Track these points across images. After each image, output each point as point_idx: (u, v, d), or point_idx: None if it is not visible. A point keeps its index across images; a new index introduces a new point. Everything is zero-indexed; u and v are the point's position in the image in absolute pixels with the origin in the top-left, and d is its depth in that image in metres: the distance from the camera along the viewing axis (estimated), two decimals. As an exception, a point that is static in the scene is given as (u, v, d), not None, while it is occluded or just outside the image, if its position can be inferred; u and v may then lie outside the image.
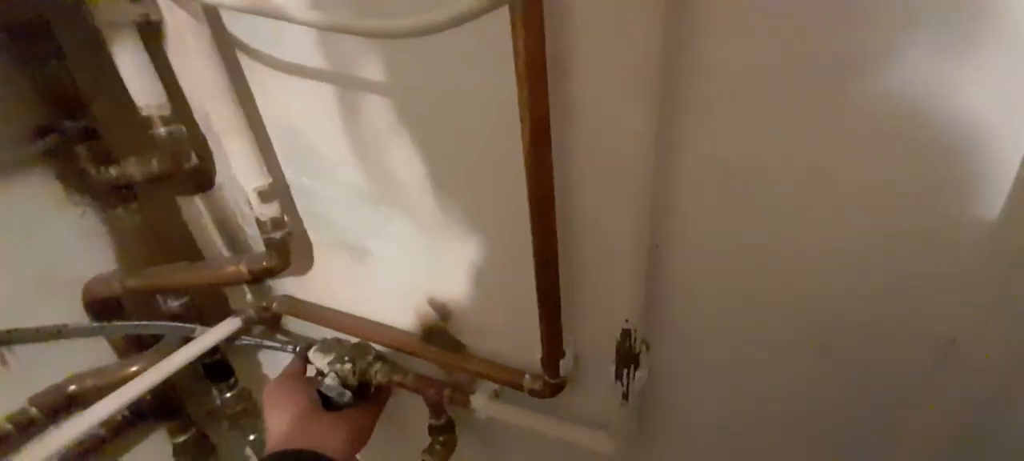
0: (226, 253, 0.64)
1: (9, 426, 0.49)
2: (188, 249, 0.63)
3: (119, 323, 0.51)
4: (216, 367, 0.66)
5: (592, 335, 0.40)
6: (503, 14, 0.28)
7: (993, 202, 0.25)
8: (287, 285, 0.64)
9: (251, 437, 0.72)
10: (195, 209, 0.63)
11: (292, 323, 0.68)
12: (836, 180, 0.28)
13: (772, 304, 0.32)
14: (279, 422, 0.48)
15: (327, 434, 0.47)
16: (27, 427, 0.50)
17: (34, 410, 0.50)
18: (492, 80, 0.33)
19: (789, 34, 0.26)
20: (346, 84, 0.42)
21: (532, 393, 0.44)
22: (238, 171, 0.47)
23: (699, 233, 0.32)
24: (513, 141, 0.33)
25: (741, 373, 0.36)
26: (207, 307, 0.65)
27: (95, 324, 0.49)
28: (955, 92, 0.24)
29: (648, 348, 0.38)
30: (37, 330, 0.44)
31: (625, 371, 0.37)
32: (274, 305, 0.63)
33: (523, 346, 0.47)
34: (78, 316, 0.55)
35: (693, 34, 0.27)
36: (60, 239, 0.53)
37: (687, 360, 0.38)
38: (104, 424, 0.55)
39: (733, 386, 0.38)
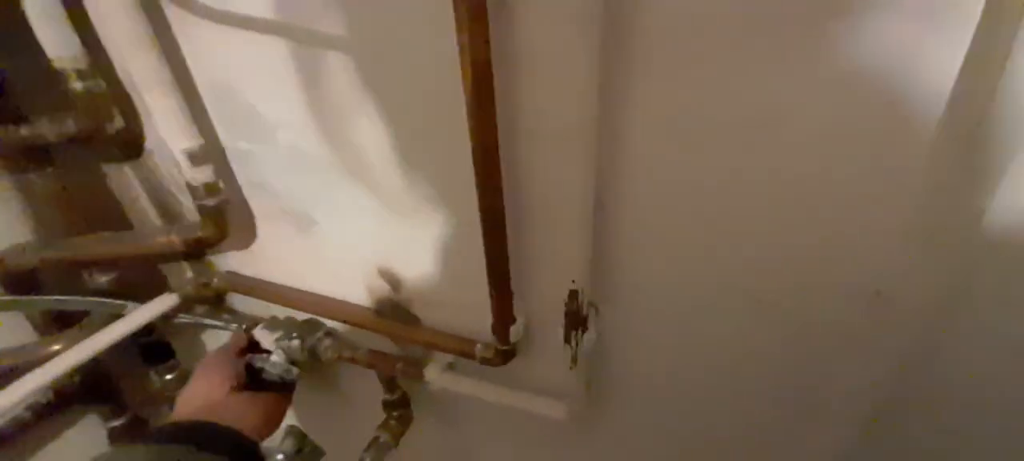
0: (156, 225, 0.60)
1: (-93, 411, 0.44)
2: (116, 221, 0.58)
3: (37, 297, 0.47)
4: (153, 348, 0.62)
5: (542, 300, 0.39)
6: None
7: (921, 150, 0.25)
8: (230, 261, 0.61)
9: (196, 421, 0.68)
10: (124, 177, 0.58)
11: (238, 301, 0.65)
12: (777, 130, 0.28)
13: (713, 260, 0.33)
14: (194, 393, 0.44)
15: (242, 411, 0.44)
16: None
17: (-64, 393, 0.45)
18: (435, 29, 0.32)
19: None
20: (284, 36, 0.39)
21: (484, 361, 0.44)
22: (164, 131, 0.44)
23: (643, 190, 0.32)
24: (458, 97, 0.31)
25: (685, 332, 0.37)
26: (140, 284, 0.60)
27: (8, 297, 0.45)
28: (888, 39, 0.24)
29: (597, 311, 0.38)
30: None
31: (574, 334, 0.37)
32: (214, 281, 0.59)
33: (474, 316, 0.46)
34: (-12, 291, 0.50)
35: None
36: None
37: (633, 321, 0.38)
38: (29, 407, 0.51)
39: (678, 345, 0.38)
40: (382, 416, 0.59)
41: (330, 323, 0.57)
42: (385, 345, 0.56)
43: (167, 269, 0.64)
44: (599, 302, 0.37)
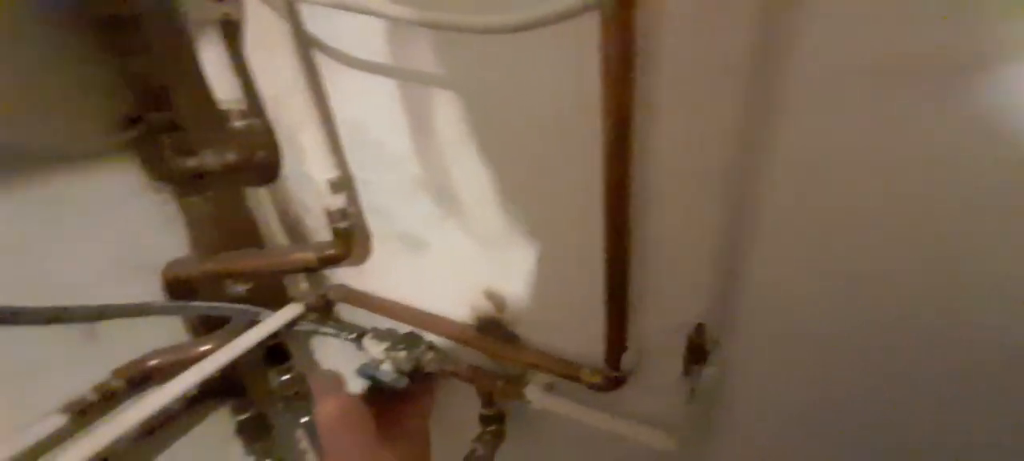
0: (284, 243, 0.67)
1: (95, 396, 0.53)
2: (251, 238, 0.66)
3: (197, 304, 0.55)
4: (275, 351, 0.69)
5: (657, 331, 0.40)
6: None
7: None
8: (341, 275, 0.67)
9: (303, 419, 0.75)
10: (258, 200, 0.66)
11: (343, 311, 0.71)
12: (930, 180, 0.27)
13: (850, 309, 0.32)
14: (342, 452, 0.47)
15: None
16: (110, 397, 0.53)
17: (117, 381, 0.54)
18: (569, 77, 0.34)
19: (888, 24, 0.25)
20: (418, 80, 0.43)
21: (591, 387, 0.45)
22: (311, 163, 0.50)
23: (781, 233, 0.32)
24: (588, 139, 0.33)
25: (813, 377, 0.36)
26: (268, 294, 0.68)
27: (176, 303, 0.52)
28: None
29: (718, 345, 0.38)
30: (125, 307, 0.47)
31: (695, 367, 0.37)
32: (330, 293, 0.65)
33: (581, 340, 0.47)
34: (154, 297, 0.58)
35: (783, 28, 0.27)
36: (141, 223, 0.56)
37: (756, 360, 0.38)
38: (179, 398, 0.59)
39: (804, 389, 0.37)
40: (478, 429, 0.61)
41: (430, 337, 0.61)
42: (484, 362, 0.59)
43: (287, 280, 0.72)
44: (721, 336, 0.37)
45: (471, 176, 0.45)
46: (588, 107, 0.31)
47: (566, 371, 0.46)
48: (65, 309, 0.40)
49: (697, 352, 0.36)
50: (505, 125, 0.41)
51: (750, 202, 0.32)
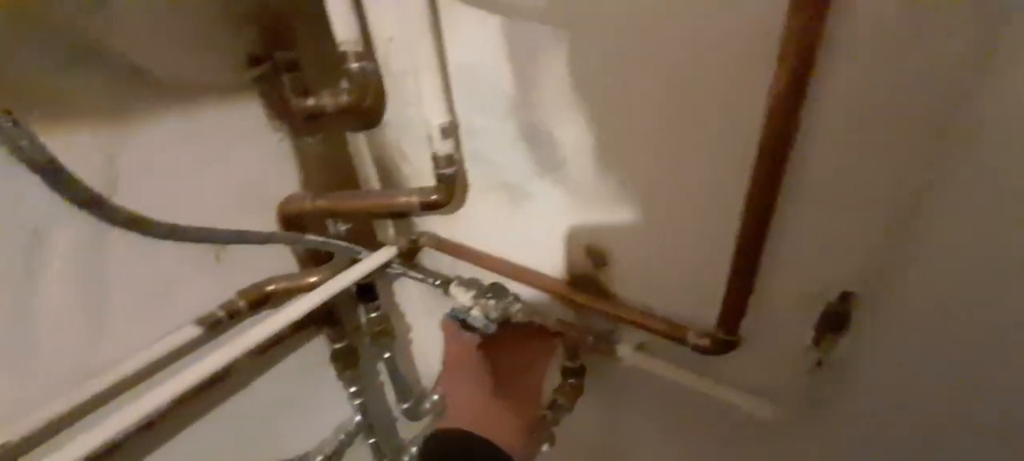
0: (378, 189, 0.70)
1: (222, 313, 0.58)
2: (351, 182, 0.69)
3: (312, 237, 0.58)
4: (365, 290, 0.73)
5: (787, 297, 0.38)
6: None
7: None
8: (428, 223, 0.69)
9: (386, 354, 0.80)
10: (357, 146, 0.68)
11: (426, 258, 0.73)
12: None
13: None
14: (458, 394, 0.51)
15: (503, 424, 0.49)
16: (235, 315, 0.59)
17: (241, 302, 0.59)
18: (730, 15, 0.32)
19: None
20: (537, 20, 0.42)
21: (696, 349, 0.44)
22: (421, 107, 0.50)
23: (977, 198, 0.29)
24: (742, 82, 0.31)
25: (961, 367, 0.33)
26: (360, 238, 0.72)
27: (297, 235, 0.56)
28: None
29: (860, 316, 0.35)
30: (258, 234, 0.51)
31: (828, 337, 0.35)
32: (422, 240, 0.68)
33: (687, 302, 0.46)
34: (271, 229, 0.63)
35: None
36: (261, 160, 0.60)
37: (901, 341, 0.35)
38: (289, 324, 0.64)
39: (944, 379, 0.35)
40: (558, 380, 0.63)
41: (516, 289, 0.62)
42: (566, 315, 0.60)
43: (376, 225, 0.75)
44: (868, 308, 0.35)
45: (589, 126, 0.44)
46: (760, 43, 0.29)
47: (671, 331, 0.46)
48: (213, 230, 0.44)
49: (836, 321, 0.34)
50: (640, 67, 0.39)
51: (948, 159, 0.28)
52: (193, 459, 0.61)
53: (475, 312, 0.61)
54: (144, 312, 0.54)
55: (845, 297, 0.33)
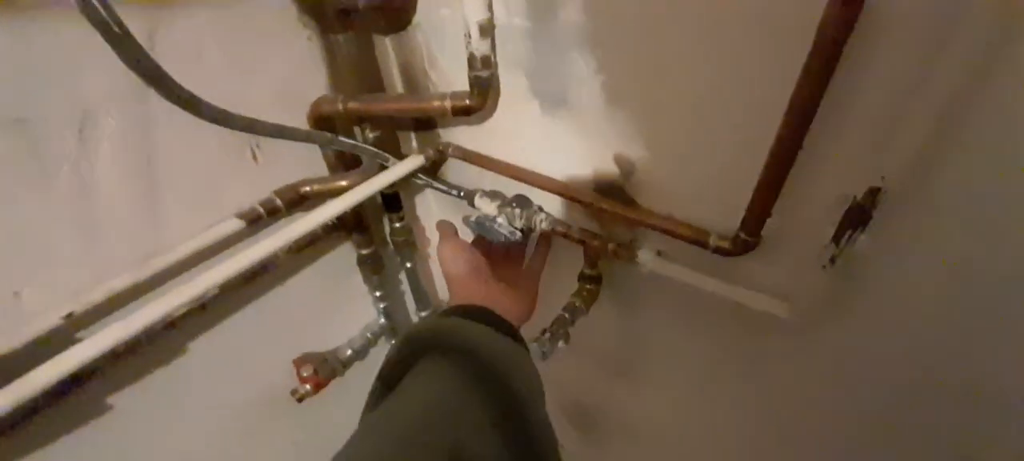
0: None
1: (261, 209, 0.61)
2: (378, 87, 0.69)
3: (346, 140, 0.60)
4: (392, 199, 0.76)
5: (808, 198, 0.40)
6: None
7: None
8: (456, 134, 0.70)
9: (407, 265, 0.84)
10: (385, 49, 0.67)
11: (451, 174, 0.75)
12: None
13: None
14: (468, 292, 0.52)
15: (506, 305, 0.51)
16: (273, 213, 0.62)
17: (278, 200, 0.62)
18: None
19: None
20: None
21: (716, 251, 0.47)
22: (458, 5, 0.49)
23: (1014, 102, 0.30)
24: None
25: (965, 277, 0.35)
26: (386, 146, 0.73)
27: (332, 136, 0.57)
28: None
29: (884, 212, 0.37)
30: (297, 131, 0.52)
31: (849, 233, 0.38)
32: (449, 150, 0.69)
33: (713, 210, 0.48)
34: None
35: None
36: (291, 57, 0.60)
37: (910, 240, 0.37)
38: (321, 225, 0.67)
39: (947, 285, 0.37)
40: (575, 286, 0.67)
41: (541, 199, 0.64)
42: (586, 224, 0.62)
43: (401, 136, 0.76)
44: (893, 205, 0.36)
45: (638, 27, 0.43)
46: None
47: (694, 235, 0.49)
48: (257, 121, 0.45)
49: (858, 216, 0.36)
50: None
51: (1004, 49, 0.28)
52: (238, 341, 0.67)
53: (500, 220, 0.63)
54: (192, 202, 0.57)
55: (872, 192, 0.35)
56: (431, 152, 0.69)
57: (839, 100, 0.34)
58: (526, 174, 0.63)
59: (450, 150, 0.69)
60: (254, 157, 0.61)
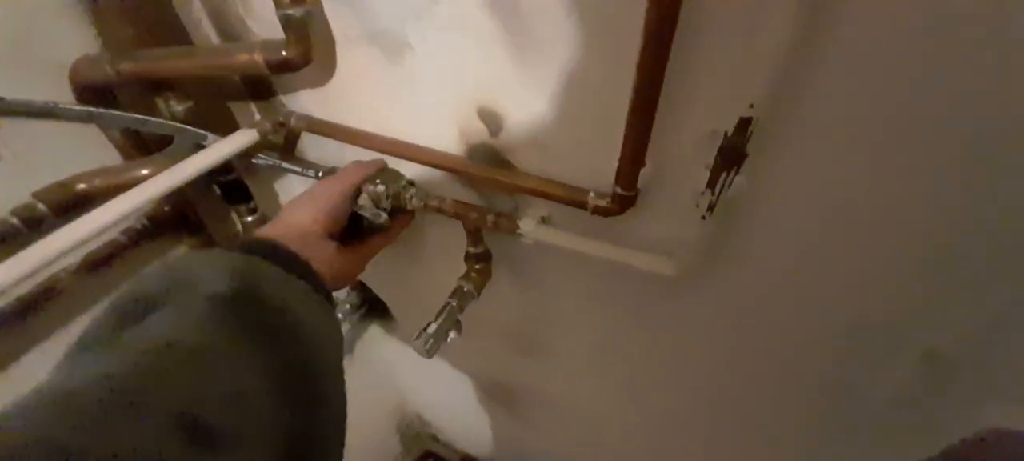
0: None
1: (16, 220, 0.45)
2: (174, 41, 0.53)
3: (119, 113, 0.45)
4: (232, 187, 0.61)
5: (685, 138, 0.35)
6: None
7: None
8: (303, 101, 0.57)
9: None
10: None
11: (310, 149, 0.62)
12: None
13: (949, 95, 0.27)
14: (291, 221, 0.43)
15: (329, 258, 0.42)
16: (37, 224, 0.46)
17: (41, 206, 0.46)
18: None
19: None
20: None
21: (596, 211, 0.41)
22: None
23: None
24: None
25: (858, 207, 0.32)
26: (213, 120, 0.58)
27: (91, 109, 0.42)
28: None
29: (756, 148, 0.33)
30: (25, 104, 0.37)
31: (723, 176, 0.33)
32: (292, 121, 0.56)
33: (587, 165, 0.42)
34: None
35: None
36: (33, 7, 0.43)
37: (787, 176, 0.33)
38: (123, 231, 0.52)
39: (838, 221, 0.34)
40: (461, 269, 0.59)
41: (411, 172, 0.55)
42: (470, 197, 0.54)
43: (235, 108, 0.61)
44: (765, 137, 0.32)
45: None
46: None
47: (571, 196, 0.42)
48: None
49: (731, 155, 0.31)
50: None
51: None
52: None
53: (363, 200, 0.52)
54: None
55: (743, 124, 0.29)
56: (268, 125, 0.55)
57: (695, 22, 0.28)
58: (387, 143, 0.53)
59: (293, 120, 0.56)
60: (-6, 151, 0.44)
